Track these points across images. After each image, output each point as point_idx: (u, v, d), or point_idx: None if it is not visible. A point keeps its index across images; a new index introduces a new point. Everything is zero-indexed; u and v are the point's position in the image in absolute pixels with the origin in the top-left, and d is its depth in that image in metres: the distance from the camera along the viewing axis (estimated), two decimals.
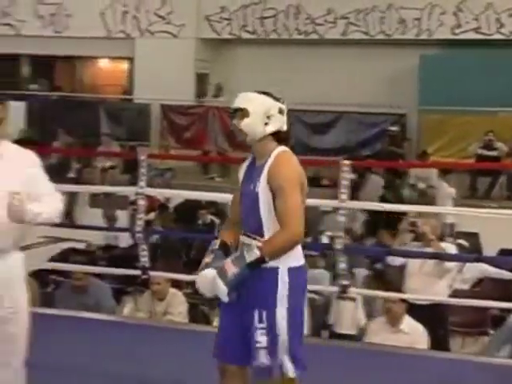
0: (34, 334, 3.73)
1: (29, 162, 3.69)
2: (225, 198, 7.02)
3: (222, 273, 3.37)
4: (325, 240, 8.58)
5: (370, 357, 5.53)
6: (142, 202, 6.24)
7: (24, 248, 3.79)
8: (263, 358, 3.44)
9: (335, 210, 6.13)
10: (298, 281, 3.48)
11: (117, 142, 15.57)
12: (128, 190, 7.49)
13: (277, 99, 3.55)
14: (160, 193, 8.97)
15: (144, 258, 6.11)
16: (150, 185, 6.56)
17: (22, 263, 3.70)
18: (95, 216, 12.06)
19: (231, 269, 3.36)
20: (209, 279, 3.44)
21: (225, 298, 3.40)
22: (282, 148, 3.53)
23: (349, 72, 16.65)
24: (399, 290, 6.58)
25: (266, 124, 3.47)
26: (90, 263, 7.11)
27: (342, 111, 16.22)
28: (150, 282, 6.57)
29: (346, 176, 5.88)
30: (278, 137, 3.53)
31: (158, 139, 16.67)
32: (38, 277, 7.22)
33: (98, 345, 5.38)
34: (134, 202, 7.40)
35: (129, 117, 17.21)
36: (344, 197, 5.84)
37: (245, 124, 3.49)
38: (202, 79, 18.04)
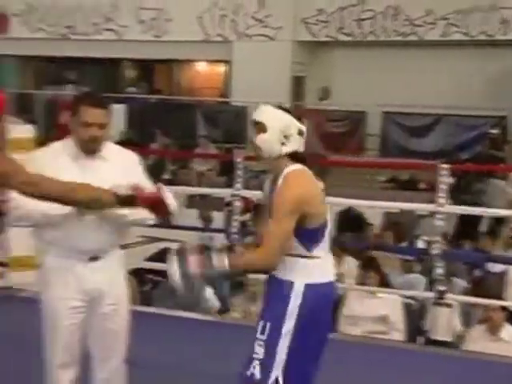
0: (132, 331, 3.82)
1: (130, 163, 3.79)
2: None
3: (182, 262, 3.30)
4: (421, 245, 8.48)
5: (467, 364, 5.44)
6: (237, 204, 6.30)
7: (123, 247, 3.88)
8: (255, 371, 3.32)
9: (432, 214, 6.04)
10: (314, 299, 3.32)
11: (213, 145, 15.77)
12: (224, 192, 7.57)
13: (298, 119, 3.41)
14: (256, 194, 9.02)
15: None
16: (245, 186, 6.62)
17: (123, 262, 3.80)
18: (191, 217, 12.23)
19: (194, 267, 3.28)
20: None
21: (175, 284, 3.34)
22: (294, 167, 3.37)
23: (448, 74, 16.34)
24: (499, 298, 6.45)
25: (282, 144, 3.32)
26: None
27: (441, 114, 15.94)
28: (246, 283, 6.63)
29: (444, 180, 5.81)
30: (295, 157, 3.38)
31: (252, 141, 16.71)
32: (137, 275, 7.36)
33: (195, 344, 5.45)
34: (229, 204, 7.47)
35: (225, 119, 17.34)
36: (442, 201, 5.77)
37: (260, 139, 3.37)
38: (298, 82, 18.02)
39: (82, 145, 3.60)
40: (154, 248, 9.09)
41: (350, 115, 16.60)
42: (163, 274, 7.03)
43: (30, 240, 6.14)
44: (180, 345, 5.35)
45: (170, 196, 3.45)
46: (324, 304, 3.40)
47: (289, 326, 3.27)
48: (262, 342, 3.32)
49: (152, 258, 7.98)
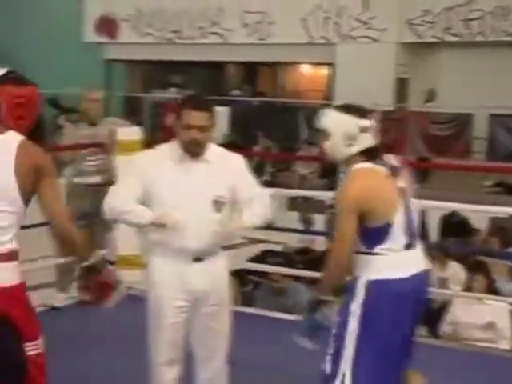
0: (233, 331, 3.86)
1: (236, 165, 3.81)
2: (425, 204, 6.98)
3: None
4: None
5: None
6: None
7: (227, 248, 3.93)
8: (327, 365, 3.39)
9: None
10: (379, 295, 3.32)
11: (315, 147, 15.75)
12: (326, 195, 7.55)
13: (362, 115, 3.39)
14: None
15: None
16: None
17: (226, 263, 3.86)
18: (292, 219, 12.26)
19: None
20: None
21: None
22: (360, 165, 3.36)
23: None
24: None
25: (349, 145, 3.34)
26: (287, 265, 7.19)
27: None
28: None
29: None
30: (369, 153, 3.36)
31: None
32: (238, 276, 7.42)
33: (294, 345, 5.47)
34: (331, 206, 7.45)
35: None
36: None
37: (326, 146, 3.42)
38: (402, 84, 17.84)
39: (184, 147, 3.66)
40: (256, 249, 9.15)
41: (456, 117, 16.31)
42: (264, 275, 7.11)
43: (136, 239, 6.32)
44: (280, 346, 5.37)
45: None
46: (392, 301, 3.35)
47: (354, 322, 3.31)
48: (333, 338, 3.39)
49: (254, 259, 8.03)
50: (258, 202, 3.78)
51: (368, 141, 3.38)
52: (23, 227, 6.90)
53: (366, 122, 3.38)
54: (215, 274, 3.76)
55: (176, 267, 3.69)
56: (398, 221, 3.33)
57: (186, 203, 3.62)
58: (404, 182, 3.42)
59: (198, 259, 3.69)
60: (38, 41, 21.99)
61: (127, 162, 6.13)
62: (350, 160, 3.36)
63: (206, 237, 3.65)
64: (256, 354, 4.78)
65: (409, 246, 3.37)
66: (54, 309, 6.27)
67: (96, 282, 3.16)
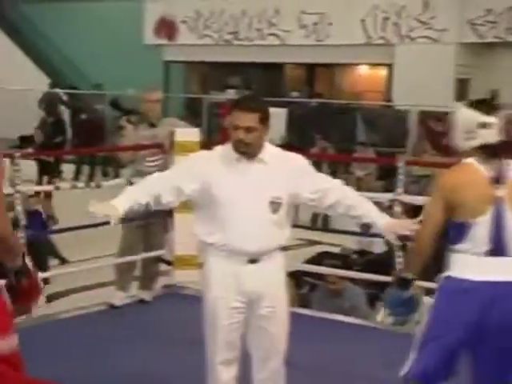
0: (290, 333, 3.86)
1: (295, 165, 3.82)
2: None
3: None
4: None
5: None
6: (397, 209, 6.24)
7: (284, 249, 3.92)
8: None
9: None
10: (444, 292, 3.47)
11: (372, 149, 15.66)
12: (384, 197, 7.51)
13: (487, 112, 3.42)
14: (416, 200, 8.87)
15: (399, 265, 6.06)
16: (405, 191, 6.54)
17: (283, 264, 3.86)
18: (349, 221, 12.19)
19: None
20: None
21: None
22: (465, 160, 3.45)
23: None
24: None
25: (467, 139, 3.39)
26: (344, 267, 7.17)
27: None
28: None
29: None
30: (487, 150, 3.39)
31: (414, 146, 16.51)
32: (294, 278, 7.43)
33: (351, 348, 5.46)
34: (390, 207, 7.40)
35: (386, 123, 17.16)
36: None
37: (450, 137, 3.50)
38: (462, 85, 17.64)
39: (234, 148, 3.70)
40: (312, 251, 9.15)
41: None
42: (321, 276, 7.10)
43: (193, 240, 6.37)
44: (336, 348, 5.37)
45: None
46: (455, 299, 3.41)
47: (427, 315, 3.52)
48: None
49: (310, 261, 8.02)
50: (350, 192, 3.91)
51: (488, 137, 3.40)
52: (83, 227, 7.05)
53: (487, 119, 3.40)
54: (270, 276, 3.76)
55: (231, 268, 3.71)
56: (482, 225, 3.34)
57: (242, 204, 3.64)
58: (505, 191, 3.39)
59: (253, 260, 3.70)
60: (100, 45, 22.35)
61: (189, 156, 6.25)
62: (467, 154, 3.43)
63: (262, 238, 3.66)
64: (312, 356, 4.77)
65: (493, 253, 3.36)
66: (112, 307, 6.36)
67: (22, 287, 3.11)
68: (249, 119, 3.62)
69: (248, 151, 3.67)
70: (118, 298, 6.40)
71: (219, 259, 3.74)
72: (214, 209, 3.69)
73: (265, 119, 3.69)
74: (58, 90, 22.00)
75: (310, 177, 3.80)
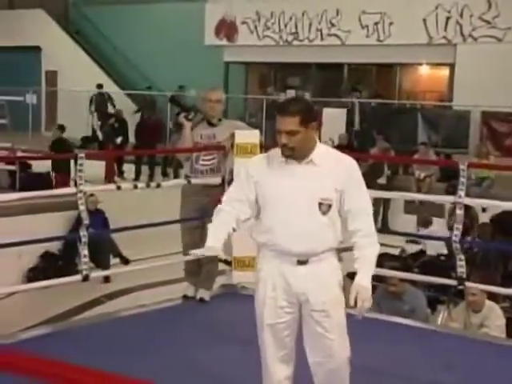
0: (348, 334, 3.82)
1: (343, 170, 3.76)
2: None
3: None
4: None
5: None
6: (459, 212, 6.16)
7: (343, 250, 3.93)
8: None
9: None
10: None
11: (433, 149, 15.55)
12: (446, 199, 7.44)
13: None
14: (479, 203, 8.74)
15: (461, 269, 6.00)
16: (466, 194, 6.46)
17: (336, 266, 3.81)
18: (408, 222, 12.14)
19: None
20: None
21: None
22: None
23: None
24: None
25: None
26: (403, 269, 7.11)
27: None
28: (466, 293, 6.49)
29: None
30: None
31: (476, 147, 16.33)
32: (353, 279, 7.40)
33: (410, 350, 5.43)
34: (453, 210, 7.31)
35: (447, 124, 17.02)
36: None
37: None
38: None
39: (280, 152, 3.71)
40: None
41: None
42: (381, 278, 7.03)
43: (250, 241, 6.39)
44: (395, 350, 5.33)
45: None
46: None
47: None
48: None
49: None
50: (365, 228, 3.73)
51: None
52: (143, 226, 7.11)
53: None
54: (321, 279, 3.73)
55: (280, 268, 3.72)
56: None
57: (290, 205, 3.66)
58: None
59: (302, 262, 3.70)
60: (161, 46, 22.64)
61: (242, 164, 6.26)
62: None
63: (310, 239, 3.66)
64: (370, 357, 4.73)
65: None
66: (186, 297, 6.48)
67: None
68: (289, 123, 3.63)
69: (293, 155, 3.68)
70: (190, 291, 6.48)
71: (270, 259, 3.77)
72: (266, 209, 3.73)
73: (306, 121, 3.66)
74: (123, 92, 22.40)
75: (354, 190, 3.73)
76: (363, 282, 3.65)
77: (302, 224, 3.65)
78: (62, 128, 16.02)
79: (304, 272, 3.69)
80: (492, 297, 6.72)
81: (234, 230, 3.82)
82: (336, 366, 3.78)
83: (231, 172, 6.36)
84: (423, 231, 11.07)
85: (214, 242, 3.74)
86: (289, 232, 3.65)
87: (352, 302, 3.61)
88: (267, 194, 3.72)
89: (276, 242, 3.70)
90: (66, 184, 12.61)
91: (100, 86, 21.20)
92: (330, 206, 3.67)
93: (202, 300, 6.43)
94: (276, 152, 3.78)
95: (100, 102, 20.84)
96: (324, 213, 3.66)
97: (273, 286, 3.72)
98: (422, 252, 9.82)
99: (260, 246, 3.85)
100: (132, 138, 18.41)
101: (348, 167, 3.77)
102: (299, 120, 3.62)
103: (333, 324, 3.74)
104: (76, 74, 23.47)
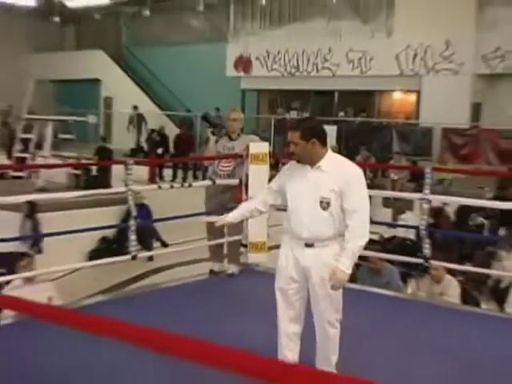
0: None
1: (346, 176, 3.73)
2: (495, 204, 6.73)
3: None
4: None
5: None
6: (425, 206, 6.12)
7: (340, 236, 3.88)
8: None
9: None
10: None
11: (405, 157, 15.57)
12: (414, 196, 7.39)
13: None
14: (440, 199, 8.67)
15: (427, 250, 6.00)
16: (431, 192, 6.41)
17: (336, 251, 3.75)
18: (386, 214, 12.08)
19: None
20: None
21: None
22: None
23: None
24: None
25: None
26: (382, 251, 7.08)
27: None
28: (430, 269, 6.45)
29: None
30: None
31: (438, 155, 16.31)
32: None
33: (386, 315, 5.40)
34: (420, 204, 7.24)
35: (415, 137, 17.13)
36: None
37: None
38: (476, 107, 17.36)
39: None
40: None
41: None
42: (364, 258, 6.99)
43: (262, 229, 6.37)
44: (377, 314, 5.31)
45: None
46: None
47: None
48: None
49: None
50: (354, 223, 3.68)
51: None
52: (177, 217, 7.07)
53: None
54: (322, 258, 3.75)
55: (293, 248, 3.83)
56: None
57: (301, 201, 3.77)
58: None
59: (309, 245, 3.77)
60: (193, 77, 22.68)
61: (258, 170, 6.26)
62: None
63: (313, 228, 3.72)
64: (356, 320, 4.68)
65: None
66: (212, 272, 6.45)
67: None
68: (292, 136, 3.76)
69: (298, 160, 3.81)
70: (216, 267, 6.49)
71: (287, 240, 3.88)
72: (288, 203, 3.86)
73: (305, 136, 3.71)
74: (162, 112, 22.41)
75: (351, 192, 3.69)
76: (341, 265, 3.64)
77: (308, 216, 3.72)
78: (104, 139, 16.17)
79: (310, 253, 3.76)
80: (450, 272, 6.68)
81: (260, 211, 4.12)
82: (329, 324, 3.83)
83: (247, 175, 6.37)
84: (400, 217, 11.11)
85: (229, 215, 4.21)
86: (298, 221, 3.76)
87: (327, 278, 3.67)
88: (289, 191, 3.84)
89: (290, 228, 3.81)
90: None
91: (136, 108, 21.16)
92: (328, 204, 3.69)
93: (232, 274, 6.41)
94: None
95: (139, 120, 20.89)
96: (324, 208, 3.70)
97: (286, 260, 3.84)
98: (394, 237, 9.76)
99: (284, 230, 3.93)
100: (171, 149, 18.52)
101: (348, 173, 3.75)
102: (299, 135, 3.70)
103: (327, 293, 3.76)
104: (127, 100, 23.48)
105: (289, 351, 3.87)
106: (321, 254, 3.74)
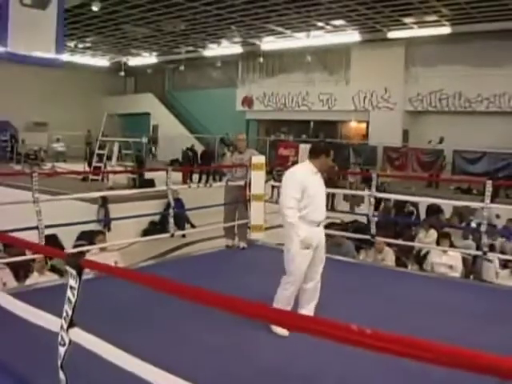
0: None
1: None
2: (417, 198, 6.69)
3: None
4: (473, 224, 7.82)
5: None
6: (372, 200, 6.11)
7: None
8: None
9: (482, 208, 5.50)
10: None
11: (358, 166, 15.55)
12: (365, 193, 7.37)
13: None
14: (382, 195, 8.66)
15: (373, 230, 5.99)
16: (376, 190, 6.38)
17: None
18: (346, 206, 12.08)
19: None
20: None
21: None
22: None
23: None
24: None
25: None
26: (342, 230, 7.09)
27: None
28: (375, 243, 6.45)
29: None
30: None
31: (380, 165, 16.29)
32: None
33: (347, 274, 5.38)
34: (369, 200, 7.22)
35: (365, 153, 17.06)
36: (487, 201, 5.29)
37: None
38: (405, 133, 17.44)
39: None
40: (326, 222, 8.96)
41: (435, 151, 15.56)
42: (330, 236, 6.94)
43: (260, 215, 6.31)
44: (338, 273, 5.25)
45: None
46: None
47: None
48: None
49: (325, 227, 7.90)
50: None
51: None
52: (203, 207, 7.00)
53: None
54: (323, 233, 3.86)
55: (310, 228, 3.68)
56: None
57: (318, 195, 3.75)
58: None
59: (318, 225, 3.78)
60: (213, 111, 22.54)
61: (257, 175, 6.21)
62: None
63: (324, 213, 3.81)
64: (326, 278, 4.69)
65: None
66: (227, 247, 6.36)
67: None
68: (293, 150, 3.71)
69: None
70: (229, 242, 6.41)
71: (305, 225, 3.65)
72: (308, 199, 3.67)
73: (300, 150, 3.71)
74: (192, 135, 22.30)
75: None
76: None
77: (322, 205, 3.78)
78: (139, 153, 16.08)
79: (318, 230, 3.79)
80: (388, 245, 6.68)
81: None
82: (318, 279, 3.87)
83: (250, 179, 6.33)
84: (357, 209, 11.10)
85: (304, 233, 3.63)
86: (318, 210, 3.72)
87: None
88: (309, 190, 3.68)
89: (311, 216, 3.69)
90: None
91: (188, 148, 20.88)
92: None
93: (243, 248, 6.32)
94: (307, 167, 3.79)
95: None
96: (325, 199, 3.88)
97: (306, 236, 3.63)
98: (355, 221, 9.72)
99: (300, 217, 3.67)
100: (199, 160, 18.47)
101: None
102: (297, 149, 3.70)
103: (324, 255, 3.88)
104: (168, 127, 23.49)
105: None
106: (322, 231, 3.88)
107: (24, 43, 5.11)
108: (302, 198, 3.68)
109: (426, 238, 7.31)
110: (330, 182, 12.95)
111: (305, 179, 3.70)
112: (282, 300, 3.70)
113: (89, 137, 21.42)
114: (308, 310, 3.83)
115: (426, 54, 16.64)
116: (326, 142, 20.63)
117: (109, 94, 26.15)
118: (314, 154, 3.81)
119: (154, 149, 23.30)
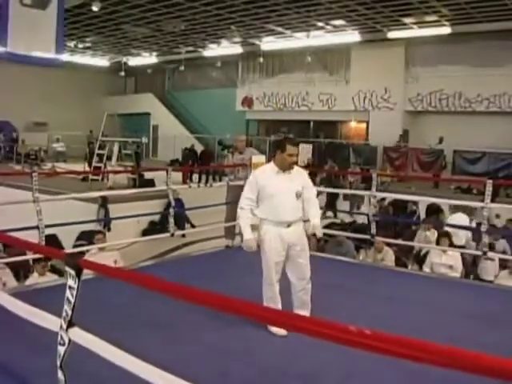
0: (314, 266, 3.79)
1: (303, 175, 3.76)
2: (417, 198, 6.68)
3: None
4: (474, 224, 7.80)
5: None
6: (372, 200, 6.10)
7: (306, 220, 3.81)
8: None
9: (482, 208, 5.48)
10: None
11: (358, 166, 15.54)
12: (365, 193, 7.37)
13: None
14: (382, 195, 8.66)
15: (373, 230, 5.98)
16: (376, 190, 6.38)
17: (303, 227, 3.75)
18: (345, 205, 12.06)
19: None
20: None
21: None
22: None
23: None
24: None
25: None
26: (343, 230, 7.08)
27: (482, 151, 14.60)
28: (375, 243, 6.44)
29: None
30: None
31: (380, 165, 16.28)
32: (315, 236, 7.30)
33: (346, 274, 5.38)
34: (369, 199, 7.22)
35: (365, 153, 17.02)
36: (487, 200, 5.29)
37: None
38: (405, 133, 17.36)
39: (285, 166, 3.64)
40: (327, 222, 8.97)
41: (435, 151, 15.56)
42: (331, 236, 6.95)
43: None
44: (336, 274, 5.26)
45: None
46: None
47: None
48: None
49: (325, 227, 7.85)
50: (314, 204, 3.69)
51: None
52: (202, 207, 7.00)
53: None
54: (298, 233, 3.68)
55: (277, 230, 3.63)
56: None
57: (282, 195, 3.61)
58: None
59: (289, 225, 3.64)
60: (213, 111, 22.50)
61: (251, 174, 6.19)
62: None
63: (293, 213, 3.62)
64: (325, 278, 4.67)
65: None
66: (227, 247, 6.37)
67: None
68: (295, 149, 3.67)
69: (292, 168, 3.66)
70: (229, 242, 6.41)
71: (270, 226, 3.65)
72: (268, 199, 3.61)
73: (273, 153, 3.69)
74: (192, 135, 22.31)
75: (307, 186, 3.72)
76: (315, 221, 3.63)
77: (288, 204, 3.61)
78: (137, 152, 16.03)
79: (290, 230, 3.64)
80: (388, 245, 6.67)
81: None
82: (306, 279, 3.73)
83: None
84: (361, 208, 11.12)
85: (248, 236, 3.62)
86: (282, 210, 3.59)
87: (310, 230, 3.63)
88: (269, 190, 3.61)
89: (275, 216, 3.61)
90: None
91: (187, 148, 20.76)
92: (300, 195, 3.65)
93: (240, 248, 6.28)
94: (270, 166, 3.71)
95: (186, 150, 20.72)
96: (297, 198, 3.63)
97: (273, 240, 3.63)
98: (354, 222, 9.73)
99: (262, 219, 3.67)
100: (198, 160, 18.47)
101: (305, 176, 3.77)
102: (298, 148, 3.67)
103: (305, 256, 3.70)
104: (168, 127, 23.49)
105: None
106: (297, 230, 3.68)
107: (24, 43, 5.10)
108: (261, 199, 3.64)
109: (431, 237, 7.30)
110: (329, 182, 13.06)
111: (263, 179, 3.63)
112: (267, 300, 3.71)
113: (91, 137, 21.42)
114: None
115: (426, 54, 16.61)
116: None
117: (109, 94, 26.11)
118: (272, 153, 3.78)
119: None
